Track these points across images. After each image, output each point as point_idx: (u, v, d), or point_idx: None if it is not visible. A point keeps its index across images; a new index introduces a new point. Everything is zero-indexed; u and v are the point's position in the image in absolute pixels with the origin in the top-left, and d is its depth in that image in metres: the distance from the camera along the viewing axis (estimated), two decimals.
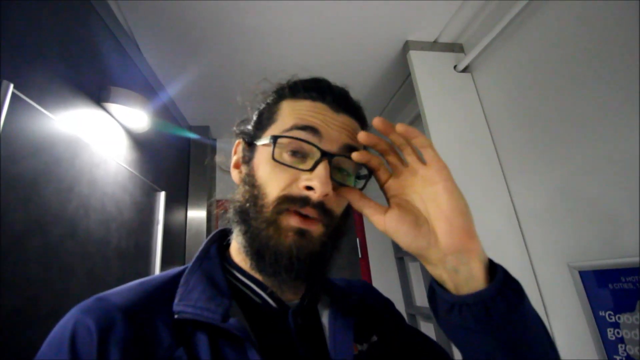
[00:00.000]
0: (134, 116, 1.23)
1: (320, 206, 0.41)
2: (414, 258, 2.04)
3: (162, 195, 1.49)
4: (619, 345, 0.92)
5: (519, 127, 1.23)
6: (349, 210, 0.47)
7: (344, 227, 0.46)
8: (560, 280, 1.09)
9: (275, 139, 0.42)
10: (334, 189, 0.41)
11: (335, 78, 0.50)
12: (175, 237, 1.65)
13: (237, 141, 0.50)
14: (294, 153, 0.42)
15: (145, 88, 1.50)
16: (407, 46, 1.45)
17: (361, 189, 0.46)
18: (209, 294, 0.40)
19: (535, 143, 1.16)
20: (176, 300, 0.40)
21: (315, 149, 0.41)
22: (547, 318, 1.14)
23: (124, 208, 1.20)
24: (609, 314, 0.95)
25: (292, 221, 0.40)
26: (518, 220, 1.24)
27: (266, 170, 0.43)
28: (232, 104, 0.53)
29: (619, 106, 0.91)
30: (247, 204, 0.43)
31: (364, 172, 0.46)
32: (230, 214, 0.46)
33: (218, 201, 1.99)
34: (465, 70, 1.42)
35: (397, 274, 2.16)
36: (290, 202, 0.40)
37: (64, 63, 0.96)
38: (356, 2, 1.24)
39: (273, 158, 0.41)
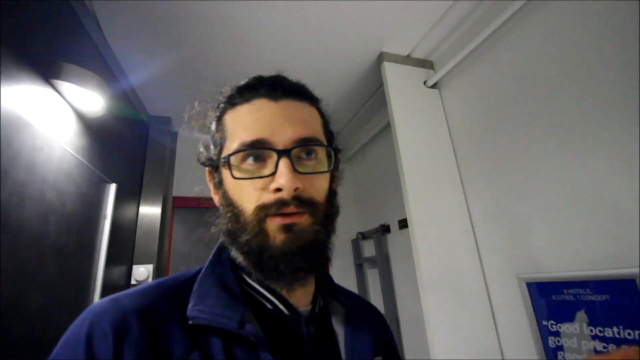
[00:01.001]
0: (87, 98, 1.11)
1: (298, 200, 0.41)
2: (371, 265, 2.08)
3: (112, 188, 1.36)
4: (559, 353, 0.99)
5: (479, 144, 1.30)
6: (333, 192, 0.48)
7: (332, 210, 0.46)
8: (509, 291, 1.16)
9: (227, 162, 0.42)
10: (307, 178, 0.42)
11: (308, 81, 0.49)
12: (123, 235, 1.51)
13: (206, 170, 0.50)
14: (256, 159, 0.42)
15: (103, 70, 1.37)
16: (381, 57, 1.48)
17: (333, 169, 0.47)
18: (225, 301, 0.41)
19: (493, 159, 1.24)
20: (190, 305, 0.40)
21: (270, 152, 0.42)
22: (495, 325, 1.20)
23: (66, 199, 1.08)
24: (552, 324, 1.02)
25: (276, 222, 0.40)
26: (474, 233, 1.31)
27: (235, 189, 0.43)
28: (199, 96, 0.51)
29: (571, 128, 1.00)
30: (231, 225, 0.43)
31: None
32: (222, 237, 0.46)
33: (175, 198, 1.87)
34: (434, 86, 1.48)
35: (355, 279, 2.19)
36: (267, 209, 0.40)
37: (7, 29, 0.85)
38: (334, 6, 1.24)
39: (233, 177, 0.42)
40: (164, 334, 0.37)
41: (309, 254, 0.41)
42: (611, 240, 0.89)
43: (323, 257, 0.44)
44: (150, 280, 1.56)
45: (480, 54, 1.30)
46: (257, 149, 0.42)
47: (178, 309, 0.40)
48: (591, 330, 0.91)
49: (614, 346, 0.85)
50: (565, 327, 0.98)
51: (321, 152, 0.45)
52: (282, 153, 0.41)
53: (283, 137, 0.42)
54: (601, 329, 0.89)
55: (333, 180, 0.50)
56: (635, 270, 0.82)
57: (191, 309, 0.39)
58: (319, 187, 0.44)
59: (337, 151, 0.50)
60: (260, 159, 0.42)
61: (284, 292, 0.44)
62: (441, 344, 1.13)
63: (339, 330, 0.48)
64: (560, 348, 0.99)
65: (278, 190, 0.40)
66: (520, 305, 1.11)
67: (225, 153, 0.44)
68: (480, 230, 1.29)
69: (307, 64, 1.56)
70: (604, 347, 0.88)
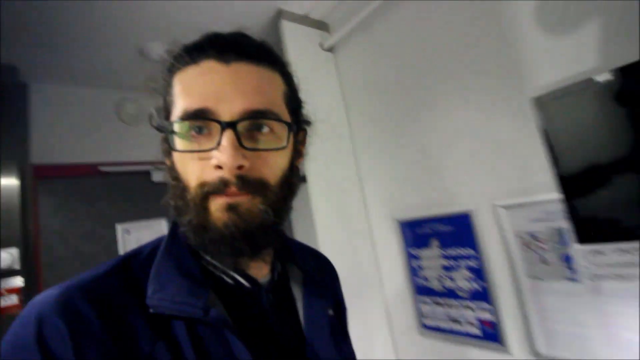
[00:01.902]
0: None
1: (243, 180, 0.37)
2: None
3: None
4: (419, 272, 1.36)
5: (369, 106, 1.49)
6: (294, 170, 0.45)
7: (290, 191, 0.43)
8: (386, 228, 1.47)
9: (171, 131, 0.38)
10: (259, 155, 0.38)
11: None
12: None
13: (161, 136, 0.44)
14: (200, 130, 0.38)
15: None
16: (279, 14, 1.45)
17: (298, 145, 0.43)
18: (187, 288, 0.38)
19: (381, 120, 1.45)
20: (149, 293, 0.37)
21: (214, 123, 0.37)
22: (375, 255, 1.52)
23: None
24: (414, 250, 1.37)
25: (218, 201, 0.37)
26: (361, 183, 1.55)
27: (181, 162, 0.39)
28: (55, 43, 0.46)
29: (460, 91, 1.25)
30: (178, 201, 0.39)
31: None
32: (172, 212, 0.43)
33: (37, 167, 1.51)
34: (330, 50, 1.56)
35: None
36: (210, 187, 0.37)
37: None
38: None
39: (175, 149, 0.38)
40: (125, 323, 0.35)
41: (253, 237, 0.38)
42: (451, 189, 1.21)
43: (270, 241, 0.42)
44: (17, 267, 1.32)
45: (377, 17, 1.40)
46: (198, 119, 0.37)
47: (136, 296, 0.37)
48: (441, 251, 1.27)
49: (455, 263, 1.22)
50: (423, 252, 1.34)
51: (279, 126, 0.40)
52: (226, 126, 0.36)
53: (229, 107, 0.37)
54: (448, 249, 1.25)
55: (297, 156, 0.46)
56: (470, 208, 1.16)
57: (151, 296, 0.37)
58: (273, 166, 0.40)
59: (301, 125, 0.45)
60: (205, 131, 0.38)
61: (242, 265, 0.42)
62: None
63: (298, 294, 0.49)
64: (420, 267, 1.35)
65: (219, 167, 0.36)
66: (394, 238, 1.43)
67: (172, 119, 0.39)
68: (366, 182, 1.54)
69: (201, 19, 1.40)
70: (450, 261, 1.25)
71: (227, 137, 0.36)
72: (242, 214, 0.37)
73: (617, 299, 0.86)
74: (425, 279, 1.33)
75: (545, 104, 0.81)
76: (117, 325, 0.34)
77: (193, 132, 0.38)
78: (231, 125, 0.36)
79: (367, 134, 1.51)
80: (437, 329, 1.30)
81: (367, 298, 1.44)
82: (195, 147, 0.38)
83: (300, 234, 1.56)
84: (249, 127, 0.38)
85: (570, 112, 0.78)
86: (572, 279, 0.93)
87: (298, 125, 0.45)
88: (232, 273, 0.42)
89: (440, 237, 1.27)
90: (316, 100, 1.44)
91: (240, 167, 0.36)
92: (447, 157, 1.22)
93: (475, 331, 1.17)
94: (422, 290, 1.34)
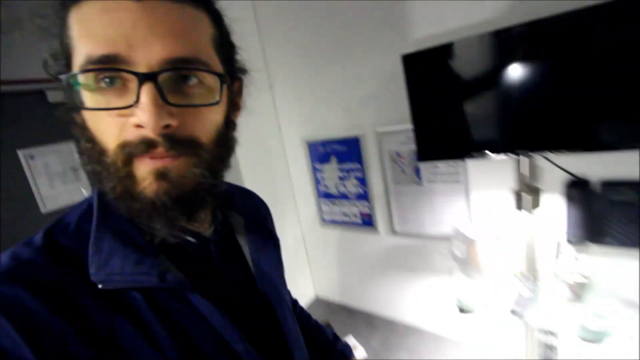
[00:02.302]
0: None
1: (171, 139, 0.32)
2: None
3: None
4: (321, 181, 1.71)
5: (286, 42, 1.57)
6: (230, 125, 0.41)
7: (225, 149, 0.40)
8: (297, 148, 1.74)
9: (72, 83, 0.32)
10: (188, 111, 0.33)
11: None
12: None
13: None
14: (112, 81, 0.31)
15: None
16: None
17: (234, 98, 0.39)
18: (135, 257, 0.35)
19: (295, 58, 1.57)
20: (92, 270, 0.33)
21: (129, 75, 0.31)
22: (288, 171, 1.82)
23: None
24: (318, 165, 1.69)
25: (145, 164, 0.32)
26: (276, 112, 1.73)
27: (93, 120, 0.33)
28: None
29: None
30: (95, 166, 0.34)
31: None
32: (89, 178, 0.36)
33: None
34: None
35: None
36: (133, 147, 0.32)
37: None
38: None
39: (83, 107, 0.32)
40: (73, 304, 0.31)
41: (188, 204, 0.35)
42: (348, 118, 1.49)
43: (207, 203, 0.38)
44: None
45: None
46: (108, 71, 0.31)
47: (74, 273, 0.33)
48: (338, 165, 1.61)
49: (347, 174, 1.58)
50: (325, 166, 1.66)
51: (210, 77, 0.35)
52: (144, 78, 0.30)
53: (146, 54, 0.31)
54: (342, 164, 1.59)
55: (233, 109, 0.42)
56: (360, 133, 1.47)
57: (96, 273, 0.33)
58: (205, 123, 0.35)
59: (236, 74, 0.40)
60: (118, 82, 0.31)
61: (184, 222, 0.36)
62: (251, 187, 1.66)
63: (243, 241, 0.48)
64: (322, 178, 1.69)
65: (141, 126, 0.31)
66: (303, 156, 1.72)
67: (73, 70, 0.32)
68: (281, 110, 1.72)
69: None
70: (343, 173, 1.60)
71: (147, 93, 0.30)
72: (173, 180, 0.33)
73: (443, 196, 1.31)
74: (326, 186, 1.69)
75: (408, 59, 1.06)
76: (64, 307, 0.31)
77: (102, 85, 0.31)
78: (151, 77, 0.31)
79: (283, 68, 1.63)
80: (333, 222, 1.73)
81: (281, 203, 1.78)
82: (108, 102, 0.32)
83: None
84: (173, 78, 0.33)
85: (423, 69, 1.05)
86: (419, 184, 1.36)
87: (232, 75, 0.40)
88: (175, 232, 0.37)
89: (337, 155, 1.60)
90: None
91: (166, 127, 0.32)
92: (347, 94, 1.45)
93: (358, 221, 1.62)
94: (323, 194, 1.72)
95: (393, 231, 1.51)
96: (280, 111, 1.73)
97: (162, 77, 0.31)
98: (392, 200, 1.46)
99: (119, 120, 0.32)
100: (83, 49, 0.31)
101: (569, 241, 1.02)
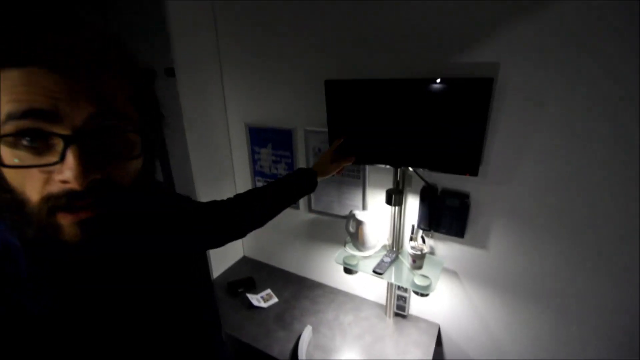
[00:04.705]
0: None
1: (96, 190, 0.35)
2: None
3: None
4: (257, 162, 2.02)
5: (238, 31, 1.79)
6: (151, 166, 0.45)
7: (143, 186, 0.43)
8: (239, 131, 2.02)
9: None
10: (113, 163, 0.36)
11: None
12: None
13: None
14: (33, 139, 0.33)
15: None
16: None
17: (139, 155, 0.40)
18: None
19: (246, 47, 1.80)
20: None
21: (54, 137, 0.32)
22: (230, 147, 2.09)
23: None
24: (257, 148, 1.99)
25: (68, 218, 0.35)
26: (224, 97, 1.97)
27: (12, 171, 0.33)
28: None
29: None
30: (12, 214, 0.35)
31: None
32: None
33: None
34: None
35: None
36: (56, 201, 0.34)
37: None
38: None
39: (2, 165, 0.33)
40: None
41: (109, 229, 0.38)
42: (285, 112, 1.80)
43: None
44: None
45: None
46: (34, 131, 0.32)
47: None
48: (272, 151, 1.94)
49: (279, 159, 1.92)
50: (262, 150, 1.98)
51: (131, 133, 0.38)
52: (69, 140, 0.32)
53: (70, 112, 0.32)
54: (276, 150, 1.92)
55: (154, 153, 0.45)
56: (292, 127, 1.80)
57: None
58: (128, 171, 0.39)
59: (154, 122, 0.43)
60: (42, 139, 0.33)
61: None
62: (196, 162, 1.92)
63: None
64: (259, 159, 2.01)
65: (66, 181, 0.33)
66: (244, 138, 2.01)
67: None
68: (228, 94, 1.96)
69: None
70: (277, 157, 1.93)
71: (74, 152, 0.33)
72: (95, 223, 0.36)
73: (347, 187, 1.72)
74: (261, 166, 2.01)
75: (328, 83, 1.40)
76: None
77: (24, 142, 0.32)
78: (76, 138, 0.33)
79: (235, 59, 1.85)
80: None
81: (222, 180, 2.07)
82: (30, 158, 0.33)
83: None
84: (96, 134, 0.35)
85: (338, 93, 1.40)
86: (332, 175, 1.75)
87: (152, 124, 0.43)
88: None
89: (272, 142, 1.91)
90: (182, 8, 1.65)
91: (95, 180, 0.34)
92: (287, 92, 1.75)
93: None
94: (258, 173, 2.05)
95: (310, 209, 1.91)
96: (228, 97, 1.98)
97: (85, 135, 0.34)
98: None
99: (42, 175, 0.34)
100: (4, 107, 0.31)
101: (419, 227, 1.50)
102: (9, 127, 0.31)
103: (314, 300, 1.88)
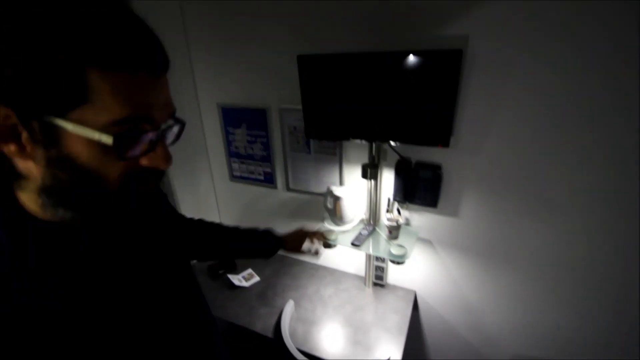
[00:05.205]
0: None
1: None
2: None
3: None
4: (232, 142, 1.99)
5: (207, 13, 1.71)
6: None
7: None
8: (212, 111, 1.96)
9: (120, 139, 0.37)
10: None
11: None
12: None
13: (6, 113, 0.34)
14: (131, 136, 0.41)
15: None
16: None
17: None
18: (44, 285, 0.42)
19: (215, 29, 1.73)
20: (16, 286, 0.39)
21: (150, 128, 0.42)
22: (203, 129, 2.04)
23: None
24: (231, 129, 1.95)
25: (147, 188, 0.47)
26: (193, 76, 1.90)
27: (97, 157, 0.38)
28: None
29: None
30: (80, 187, 0.40)
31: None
32: (41, 194, 0.41)
33: None
34: None
35: None
36: (138, 176, 0.43)
37: None
38: None
39: (121, 157, 0.40)
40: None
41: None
42: (258, 91, 1.77)
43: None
44: None
45: None
46: (142, 132, 0.40)
47: None
48: (247, 131, 1.91)
49: (255, 139, 1.89)
50: (236, 130, 1.94)
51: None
52: (161, 135, 0.43)
53: (160, 114, 0.42)
54: (251, 130, 1.89)
55: None
56: (266, 106, 1.77)
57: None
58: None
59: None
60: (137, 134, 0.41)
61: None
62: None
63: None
64: (234, 140, 1.98)
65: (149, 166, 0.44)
66: (217, 119, 1.96)
67: (89, 116, 0.35)
68: (197, 75, 1.89)
69: None
70: (252, 137, 1.91)
71: (162, 145, 0.44)
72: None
73: (324, 164, 1.74)
74: (236, 147, 1.98)
75: (301, 59, 1.38)
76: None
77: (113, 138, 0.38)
78: (165, 132, 0.45)
79: (203, 36, 1.77)
80: (241, 177, 2.06)
81: (196, 160, 2.02)
82: (118, 149, 0.39)
83: None
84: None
85: (311, 69, 1.39)
86: (308, 153, 1.76)
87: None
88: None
89: (247, 122, 1.88)
90: None
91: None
92: (259, 71, 1.71)
93: (262, 178, 1.98)
94: (233, 154, 2.02)
95: (288, 188, 1.91)
96: (197, 76, 1.91)
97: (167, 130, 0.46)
98: (289, 163, 1.85)
99: (124, 162, 0.41)
100: (119, 108, 0.37)
101: (395, 199, 1.55)
102: (117, 128, 0.38)
103: (295, 276, 1.92)
